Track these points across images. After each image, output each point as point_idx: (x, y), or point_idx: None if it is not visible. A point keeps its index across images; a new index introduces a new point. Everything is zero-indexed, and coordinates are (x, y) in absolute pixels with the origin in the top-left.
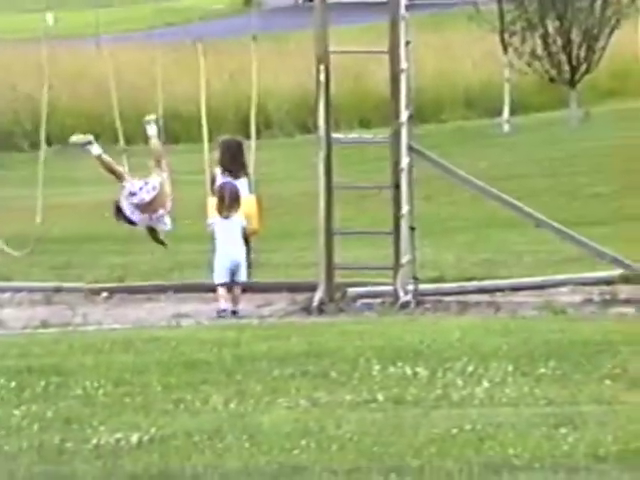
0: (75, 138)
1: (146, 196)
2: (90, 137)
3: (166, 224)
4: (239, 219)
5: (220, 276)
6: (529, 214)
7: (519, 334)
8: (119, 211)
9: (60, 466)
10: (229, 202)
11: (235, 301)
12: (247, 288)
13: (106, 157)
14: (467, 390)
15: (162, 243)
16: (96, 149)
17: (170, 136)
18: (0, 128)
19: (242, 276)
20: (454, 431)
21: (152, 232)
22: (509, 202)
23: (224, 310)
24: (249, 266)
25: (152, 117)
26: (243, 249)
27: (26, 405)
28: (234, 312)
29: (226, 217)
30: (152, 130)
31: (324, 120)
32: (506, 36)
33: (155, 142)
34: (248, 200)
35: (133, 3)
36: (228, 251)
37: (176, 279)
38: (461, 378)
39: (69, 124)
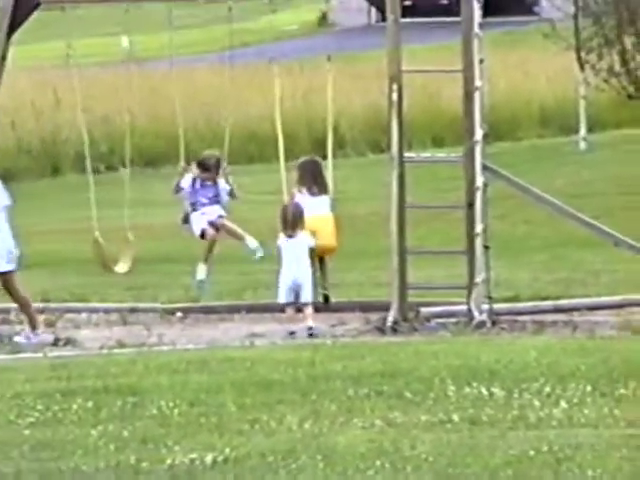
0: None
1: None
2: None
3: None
4: (305, 238)
5: (283, 296)
6: (606, 233)
7: (597, 354)
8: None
9: None
10: (292, 221)
11: (307, 319)
12: (318, 308)
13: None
14: (544, 411)
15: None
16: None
17: (245, 156)
18: (76, 151)
19: (306, 296)
20: (531, 453)
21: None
22: (586, 221)
23: (293, 332)
24: (317, 286)
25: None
26: (308, 269)
27: (103, 425)
28: (309, 328)
29: (290, 236)
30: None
31: (397, 139)
32: (582, 53)
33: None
34: (326, 218)
35: (208, 25)
36: (291, 271)
37: (249, 299)
38: (538, 399)
39: (145, 145)
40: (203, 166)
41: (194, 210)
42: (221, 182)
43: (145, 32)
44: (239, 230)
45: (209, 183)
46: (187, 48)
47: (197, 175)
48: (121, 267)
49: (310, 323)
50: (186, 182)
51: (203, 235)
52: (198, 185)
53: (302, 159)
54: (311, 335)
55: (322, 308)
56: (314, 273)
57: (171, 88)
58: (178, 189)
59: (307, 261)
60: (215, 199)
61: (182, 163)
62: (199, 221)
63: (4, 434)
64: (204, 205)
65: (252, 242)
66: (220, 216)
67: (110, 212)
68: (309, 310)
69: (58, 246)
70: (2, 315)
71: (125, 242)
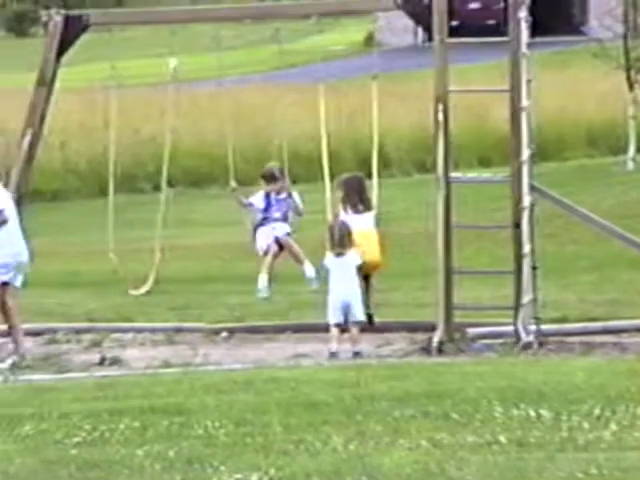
0: None
1: None
2: None
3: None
4: (353, 257)
5: (333, 316)
6: None
7: None
8: None
9: None
10: (339, 239)
11: (354, 341)
12: (364, 328)
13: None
14: (594, 433)
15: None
16: None
17: (290, 176)
18: (123, 171)
19: (356, 315)
20: (580, 475)
21: None
22: (634, 241)
23: (334, 353)
24: (367, 305)
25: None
26: (357, 288)
27: (149, 445)
28: (356, 353)
29: (338, 255)
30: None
31: (443, 159)
32: (632, 73)
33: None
34: (370, 233)
35: (254, 46)
36: (340, 290)
37: (294, 319)
38: (587, 421)
39: (191, 166)
40: (270, 177)
41: (262, 225)
42: (295, 194)
43: (191, 53)
44: (302, 254)
45: (282, 196)
46: (233, 69)
47: (269, 189)
48: (136, 289)
49: (357, 348)
50: (257, 199)
51: (266, 252)
52: (273, 201)
53: (345, 176)
54: (357, 354)
55: (367, 328)
56: (368, 290)
57: (218, 109)
58: (247, 204)
59: (356, 280)
60: (287, 214)
61: (232, 183)
62: (266, 236)
63: (51, 454)
64: (276, 220)
65: (310, 270)
66: (288, 234)
67: (153, 232)
68: (355, 331)
69: (104, 266)
70: (49, 335)
71: (148, 263)
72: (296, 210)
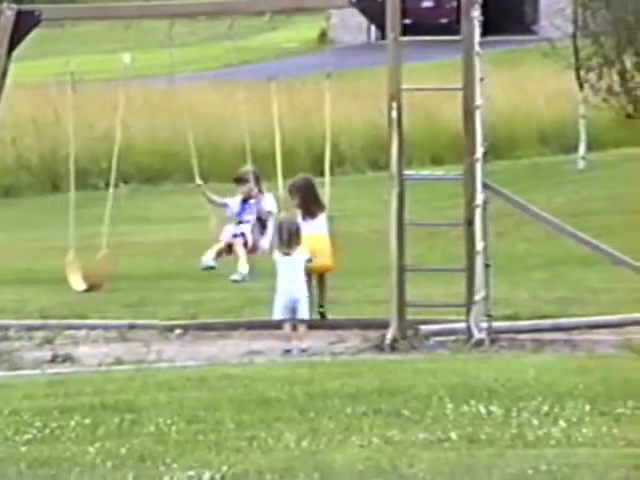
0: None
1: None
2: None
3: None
4: (300, 255)
5: (278, 313)
6: (606, 251)
7: (596, 373)
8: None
9: None
10: (288, 238)
11: (300, 338)
12: (316, 325)
13: None
14: (543, 430)
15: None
16: None
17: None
18: (77, 167)
19: (302, 313)
20: (529, 472)
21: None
22: (585, 239)
23: (289, 350)
24: (313, 304)
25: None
26: (304, 286)
27: (100, 442)
28: (302, 350)
29: (286, 254)
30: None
31: (396, 157)
32: (582, 72)
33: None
34: (322, 238)
35: (207, 42)
36: (287, 288)
37: (248, 316)
38: (537, 417)
39: (144, 162)
40: (238, 179)
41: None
42: (266, 197)
43: (145, 49)
44: (243, 256)
45: (253, 201)
46: (187, 65)
47: (241, 192)
48: (80, 285)
49: (303, 345)
50: (234, 202)
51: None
52: (246, 205)
53: (295, 181)
54: (303, 351)
55: (320, 325)
56: (310, 291)
57: (170, 105)
58: (220, 204)
59: (303, 278)
60: (260, 218)
61: (198, 180)
62: (228, 232)
63: (1, 451)
64: (247, 222)
65: (243, 269)
66: (242, 234)
67: (106, 229)
68: (302, 329)
69: (57, 262)
70: (1, 332)
71: (98, 259)
72: (260, 212)
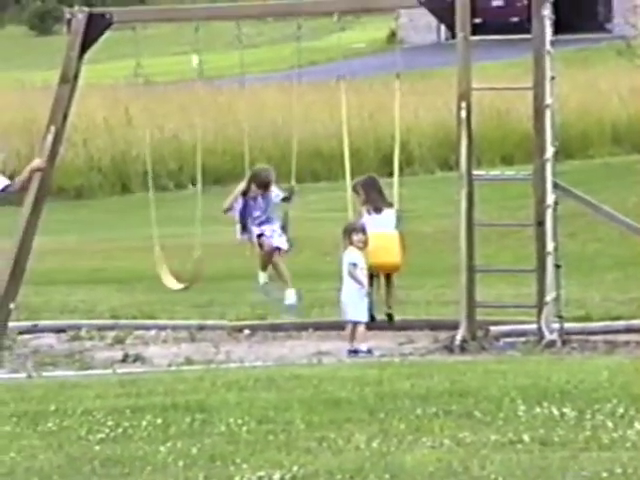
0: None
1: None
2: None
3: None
4: (346, 257)
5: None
6: None
7: None
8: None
9: None
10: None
11: (359, 340)
12: (384, 327)
13: None
14: (618, 432)
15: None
16: None
17: (311, 174)
18: (146, 168)
19: (351, 315)
20: (604, 474)
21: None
22: None
23: (354, 351)
24: (374, 304)
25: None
26: (347, 288)
27: (172, 442)
28: (368, 351)
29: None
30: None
31: (465, 157)
32: None
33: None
34: (392, 235)
35: (276, 43)
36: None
37: (316, 316)
38: (611, 420)
39: (213, 164)
40: (265, 185)
41: (245, 229)
42: (274, 190)
43: (214, 51)
44: (288, 276)
45: (259, 198)
46: (255, 67)
47: (256, 194)
48: (175, 284)
49: (363, 346)
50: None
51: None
52: (250, 200)
53: (360, 179)
54: (354, 353)
55: (388, 327)
56: (372, 290)
57: (240, 106)
58: (227, 210)
59: (347, 280)
60: (267, 211)
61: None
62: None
63: (75, 450)
64: (259, 220)
65: (291, 297)
66: (280, 248)
67: (177, 230)
68: (360, 329)
69: (127, 263)
70: (73, 331)
71: (191, 259)
72: (285, 199)
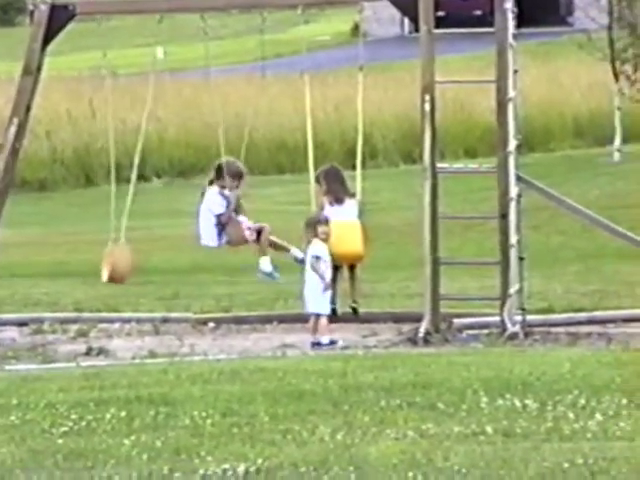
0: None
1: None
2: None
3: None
4: (311, 250)
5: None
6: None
7: (632, 366)
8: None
9: None
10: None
11: (321, 332)
12: (349, 319)
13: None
14: (579, 423)
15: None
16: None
17: (276, 166)
18: (109, 161)
19: (312, 307)
20: (565, 465)
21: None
22: (620, 232)
23: (317, 343)
24: (336, 296)
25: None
26: (309, 281)
27: (136, 435)
28: (332, 343)
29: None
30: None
31: (429, 150)
32: (617, 64)
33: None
34: (354, 224)
35: (240, 36)
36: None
37: (280, 309)
38: (572, 411)
39: (177, 156)
40: (239, 175)
41: (230, 220)
42: (233, 195)
43: (178, 43)
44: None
45: (227, 193)
46: (220, 59)
47: (229, 186)
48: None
49: (323, 339)
50: (219, 201)
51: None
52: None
53: (322, 169)
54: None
55: (352, 319)
56: (336, 282)
57: (204, 99)
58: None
59: (310, 274)
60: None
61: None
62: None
63: (38, 443)
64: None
65: (266, 264)
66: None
67: (139, 223)
68: (322, 322)
69: (91, 256)
70: (36, 325)
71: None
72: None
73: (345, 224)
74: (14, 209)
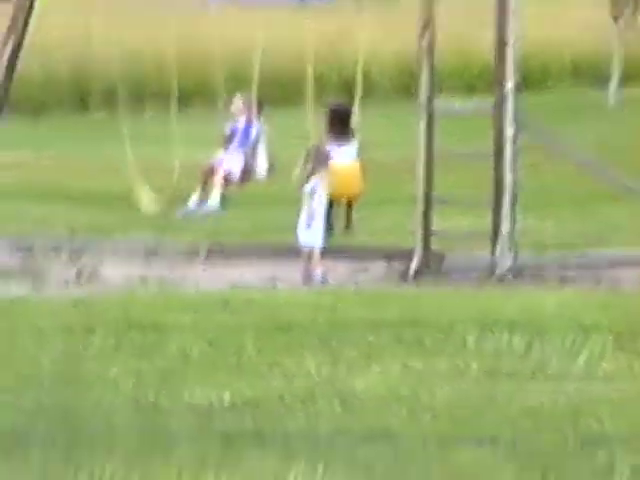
0: None
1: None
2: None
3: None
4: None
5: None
6: (632, 188)
7: (620, 308)
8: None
9: (153, 422)
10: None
11: (314, 265)
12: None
13: None
14: (564, 364)
15: None
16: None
17: (271, 99)
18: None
19: (302, 240)
20: (548, 405)
21: None
22: (614, 176)
23: (308, 276)
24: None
25: None
26: (303, 213)
27: (123, 360)
28: (321, 276)
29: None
30: None
31: (427, 86)
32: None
33: None
34: (353, 166)
35: None
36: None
37: (274, 240)
38: (558, 351)
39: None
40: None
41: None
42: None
43: None
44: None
45: (240, 127)
46: None
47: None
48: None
49: (317, 272)
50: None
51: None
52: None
53: (332, 104)
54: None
55: (343, 254)
56: (334, 218)
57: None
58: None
59: (304, 206)
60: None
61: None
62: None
63: (26, 368)
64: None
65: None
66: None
67: (136, 150)
68: (315, 256)
69: (85, 182)
70: (27, 248)
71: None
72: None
73: (345, 167)
74: (8, 131)
